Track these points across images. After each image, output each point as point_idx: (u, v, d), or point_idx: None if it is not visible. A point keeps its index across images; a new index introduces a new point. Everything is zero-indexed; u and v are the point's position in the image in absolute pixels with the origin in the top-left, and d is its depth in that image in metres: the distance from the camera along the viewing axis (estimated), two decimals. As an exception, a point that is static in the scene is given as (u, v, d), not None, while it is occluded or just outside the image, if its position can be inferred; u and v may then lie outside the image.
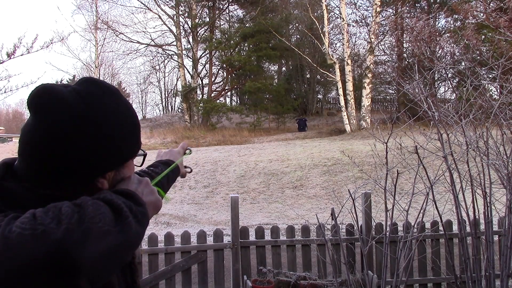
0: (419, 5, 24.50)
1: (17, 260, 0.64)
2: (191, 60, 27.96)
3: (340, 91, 20.82)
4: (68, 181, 0.82)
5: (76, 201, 0.73)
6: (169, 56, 30.10)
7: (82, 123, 0.80)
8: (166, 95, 40.11)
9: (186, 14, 27.76)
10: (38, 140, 0.79)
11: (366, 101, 20.09)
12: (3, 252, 0.64)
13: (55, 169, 0.80)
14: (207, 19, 28.66)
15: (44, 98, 0.80)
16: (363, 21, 24.25)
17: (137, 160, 0.99)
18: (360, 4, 25.92)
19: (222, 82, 29.35)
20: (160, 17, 27.27)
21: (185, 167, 1.48)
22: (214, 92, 27.73)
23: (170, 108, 39.83)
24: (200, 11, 28.31)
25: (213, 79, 28.18)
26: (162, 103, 40.93)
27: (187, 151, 1.45)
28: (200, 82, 28.38)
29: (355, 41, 27.62)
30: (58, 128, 0.78)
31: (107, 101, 0.85)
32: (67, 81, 36.10)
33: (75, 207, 0.71)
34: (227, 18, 30.78)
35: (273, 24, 25.07)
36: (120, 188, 0.86)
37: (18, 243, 0.65)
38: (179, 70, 28.62)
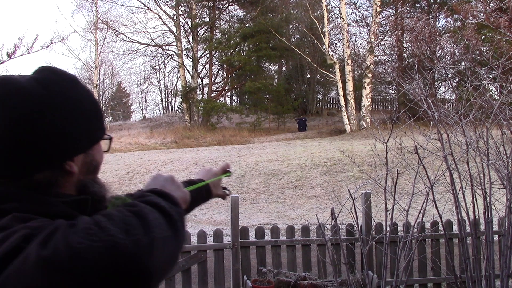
0: (419, 5, 24.51)
1: (92, 274, 0.62)
2: (191, 60, 27.96)
3: (340, 91, 20.82)
4: (37, 167, 0.81)
5: (131, 208, 0.73)
6: (169, 56, 30.11)
7: (43, 109, 0.80)
8: (166, 95, 40.12)
9: (186, 14, 27.76)
10: (1, 130, 0.79)
11: (366, 101, 20.09)
12: (75, 266, 0.61)
13: (22, 157, 0.80)
14: (207, 19, 28.66)
15: (1, 89, 0.80)
16: (363, 21, 24.27)
17: (105, 145, 0.97)
18: (360, 4, 25.96)
19: (222, 82, 29.36)
20: (160, 17, 27.29)
21: (224, 188, 1.38)
22: (214, 92, 27.74)
23: (170, 108, 39.82)
24: (200, 11, 28.31)
25: (213, 79, 28.19)
26: (162, 103, 40.93)
27: (228, 173, 1.36)
28: (200, 82, 28.39)
29: (355, 41, 27.64)
30: (20, 116, 0.78)
31: (67, 86, 0.85)
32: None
33: (134, 215, 0.71)
34: (227, 18, 30.79)
35: (273, 24, 25.07)
36: (155, 189, 0.86)
37: (92, 257, 0.62)
38: (179, 70, 28.62)
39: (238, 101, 34.34)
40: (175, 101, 39.63)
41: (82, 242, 0.63)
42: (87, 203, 0.84)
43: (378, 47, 22.11)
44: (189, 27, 27.53)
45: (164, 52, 29.78)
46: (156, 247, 0.68)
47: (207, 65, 28.47)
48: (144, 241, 0.67)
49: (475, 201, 3.12)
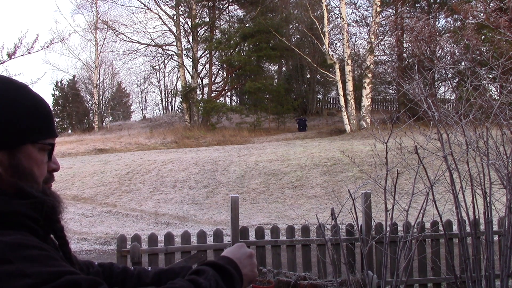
0: (419, 5, 24.49)
1: None
2: (191, 60, 27.95)
3: (340, 91, 20.82)
4: None
5: None
6: (169, 56, 30.09)
7: None
8: (166, 95, 40.11)
9: (186, 14, 27.75)
10: None
11: (366, 101, 20.09)
12: None
13: None
14: (207, 19, 28.64)
15: None
16: (363, 21, 24.27)
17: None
18: (360, 4, 25.98)
19: (222, 82, 29.34)
20: (160, 17, 27.28)
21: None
22: (214, 92, 27.72)
23: (170, 108, 39.83)
24: (200, 11, 28.30)
25: (213, 79, 28.18)
26: (162, 103, 40.94)
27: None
28: (200, 82, 28.37)
29: (355, 41, 27.62)
30: None
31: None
32: (67, 81, 36.10)
33: None
34: (227, 18, 30.78)
35: (273, 24, 25.06)
36: (224, 260, 0.95)
37: None
38: (179, 70, 28.62)
39: (238, 101, 34.34)
40: (175, 101, 39.68)
41: None
42: (42, 206, 0.83)
43: (378, 47, 22.11)
44: (189, 27, 27.52)
45: (164, 52, 29.78)
46: None
47: (207, 65, 28.47)
48: None
49: (475, 201, 3.11)
